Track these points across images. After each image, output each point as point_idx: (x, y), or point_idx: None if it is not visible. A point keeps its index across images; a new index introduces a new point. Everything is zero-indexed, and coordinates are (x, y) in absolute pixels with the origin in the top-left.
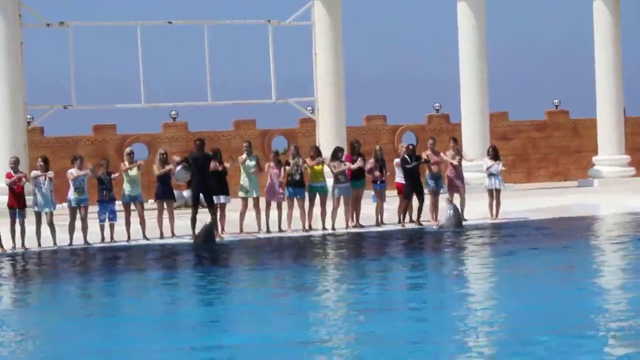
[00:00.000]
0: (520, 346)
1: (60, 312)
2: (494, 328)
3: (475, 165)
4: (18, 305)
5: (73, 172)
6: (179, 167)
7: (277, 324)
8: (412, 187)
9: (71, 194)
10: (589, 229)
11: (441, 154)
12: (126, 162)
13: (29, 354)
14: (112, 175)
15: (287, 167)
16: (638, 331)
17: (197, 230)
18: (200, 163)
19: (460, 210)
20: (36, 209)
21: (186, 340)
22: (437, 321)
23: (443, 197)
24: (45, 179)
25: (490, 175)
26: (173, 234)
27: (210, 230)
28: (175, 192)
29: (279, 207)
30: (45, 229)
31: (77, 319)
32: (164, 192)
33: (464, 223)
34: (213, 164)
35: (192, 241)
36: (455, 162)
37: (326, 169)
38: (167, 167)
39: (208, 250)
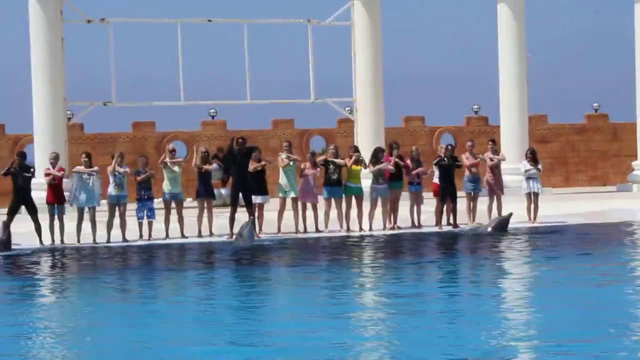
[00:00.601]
0: (554, 353)
1: (93, 309)
2: (528, 334)
3: (514, 168)
4: (54, 301)
5: (115, 166)
6: (214, 166)
7: (313, 324)
8: (445, 189)
9: (111, 191)
10: (627, 234)
11: (480, 156)
12: (168, 160)
13: (67, 349)
14: (141, 178)
15: (323, 156)
16: None
17: (235, 230)
18: (240, 162)
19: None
20: (78, 204)
21: (224, 341)
22: (470, 324)
23: (482, 200)
24: (89, 175)
25: (529, 178)
26: (211, 233)
27: (251, 230)
28: (216, 190)
29: (314, 208)
30: (86, 225)
31: (112, 316)
32: (205, 190)
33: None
34: (252, 165)
35: (229, 240)
36: (490, 162)
37: (364, 171)
38: (210, 166)
39: (247, 250)
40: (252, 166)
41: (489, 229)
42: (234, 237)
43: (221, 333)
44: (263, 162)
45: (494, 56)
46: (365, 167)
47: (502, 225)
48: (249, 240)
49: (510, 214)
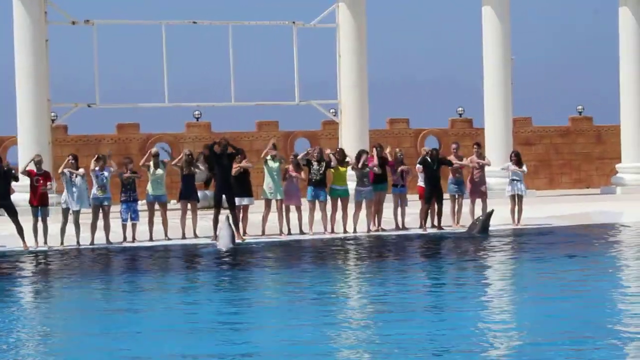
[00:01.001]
0: (538, 354)
1: (75, 312)
2: (511, 335)
3: (498, 170)
4: (36, 303)
5: (95, 166)
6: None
7: (295, 329)
8: (432, 191)
9: (95, 193)
10: (611, 236)
11: (465, 159)
12: (151, 164)
13: (49, 352)
14: (128, 175)
15: (306, 172)
16: None
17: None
18: (224, 164)
19: (488, 217)
20: (64, 206)
21: (204, 344)
22: (454, 327)
23: (466, 202)
24: (76, 176)
25: (513, 180)
26: (195, 235)
27: (230, 232)
28: (200, 192)
29: (298, 210)
30: (70, 227)
31: (93, 319)
32: (188, 192)
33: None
34: (236, 165)
35: (213, 242)
36: (476, 165)
37: (349, 172)
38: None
39: (226, 252)
40: (234, 169)
41: (474, 231)
42: (213, 239)
43: (202, 340)
44: (245, 165)
45: (479, 59)
46: (352, 168)
47: (484, 226)
48: (228, 242)
49: (492, 211)
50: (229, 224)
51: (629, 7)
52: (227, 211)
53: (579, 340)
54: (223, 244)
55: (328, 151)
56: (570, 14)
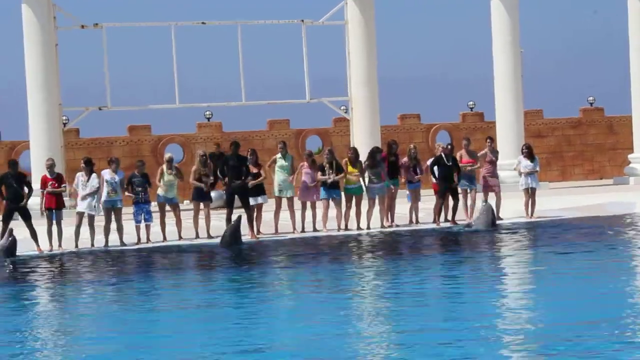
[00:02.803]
0: (552, 346)
1: (92, 313)
2: (526, 328)
3: (510, 164)
4: (53, 306)
5: (105, 175)
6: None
7: (309, 324)
8: (445, 186)
9: (105, 196)
10: (625, 227)
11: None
12: (165, 168)
13: (67, 353)
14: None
15: (320, 177)
16: None
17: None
18: (234, 165)
19: (495, 210)
20: (78, 209)
21: (221, 341)
22: (468, 320)
23: (480, 196)
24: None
25: (526, 174)
26: (209, 235)
27: (235, 231)
28: (214, 192)
29: (313, 207)
30: (84, 230)
31: (110, 320)
32: (200, 193)
33: (499, 222)
34: (248, 181)
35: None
36: (485, 162)
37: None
38: (202, 184)
39: (236, 251)
40: (250, 182)
41: (483, 225)
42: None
43: (222, 337)
44: (258, 181)
45: (489, 52)
46: (363, 171)
47: (491, 220)
48: (232, 241)
49: (488, 204)
50: (235, 225)
51: None
52: (241, 210)
53: (593, 332)
54: (225, 243)
55: (344, 161)
56: (580, 4)
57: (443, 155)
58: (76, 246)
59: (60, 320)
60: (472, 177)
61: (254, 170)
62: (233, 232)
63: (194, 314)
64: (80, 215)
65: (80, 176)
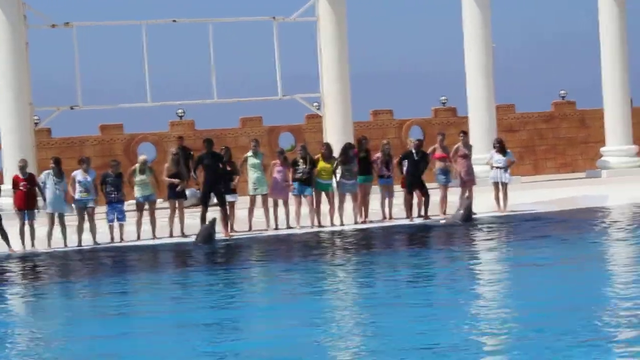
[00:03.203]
0: (527, 340)
1: (66, 314)
2: (501, 322)
3: (483, 158)
4: (25, 307)
5: (78, 177)
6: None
7: (284, 321)
8: (411, 180)
9: (77, 195)
10: (598, 220)
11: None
12: (137, 168)
13: (40, 355)
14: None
15: (292, 174)
16: None
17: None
18: (209, 163)
19: (470, 205)
20: (48, 209)
21: (194, 342)
22: (443, 316)
23: (454, 191)
24: (50, 182)
25: (497, 168)
26: (183, 234)
27: (209, 231)
28: (189, 190)
29: (286, 205)
30: (56, 229)
31: (83, 320)
32: (175, 191)
33: (473, 217)
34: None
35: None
36: (457, 157)
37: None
38: (175, 181)
39: (211, 249)
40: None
41: (458, 220)
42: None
43: (198, 335)
44: (236, 180)
45: (460, 47)
46: (335, 167)
47: (467, 214)
48: (207, 239)
49: (468, 200)
50: (210, 223)
51: None
52: (216, 208)
53: (569, 328)
54: (201, 241)
55: (317, 157)
56: None
57: (413, 151)
58: (49, 245)
59: (29, 320)
60: (447, 171)
61: (228, 168)
62: (208, 231)
63: (165, 314)
64: (51, 215)
65: (50, 175)
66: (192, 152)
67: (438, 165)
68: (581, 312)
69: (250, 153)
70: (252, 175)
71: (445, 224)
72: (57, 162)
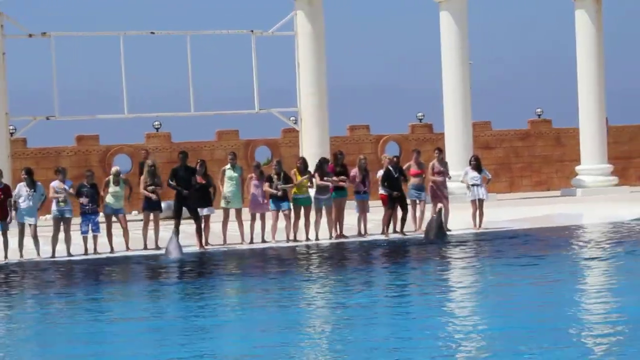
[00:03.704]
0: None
1: (37, 325)
2: (474, 339)
3: (458, 175)
4: None
5: (55, 185)
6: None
7: (256, 336)
8: (394, 198)
9: (54, 206)
10: (572, 238)
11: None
12: (111, 181)
13: None
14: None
15: (267, 188)
16: (618, 341)
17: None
18: (183, 176)
19: (444, 221)
20: (20, 220)
21: (167, 352)
22: (417, 332)
23: (429, 207)
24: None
25: (474, 185)
26: (157, 246)
27: (177, 243)
28: (164, 203)
29: (263, 219)
30: (28, 240)
31: (57, 330)
32: (151, 203)
33: (448, 233)
34: (195, 179)
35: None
36: (437, 179)
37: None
38: (152, 194)
39: (182, 262)
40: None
41: (431, 236)
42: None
43: (165, 348)
44: (214, 188)
45: (438, 64)
46: (311, 183)
47: (441, 230)
48: (175, 252)
49: (440, 214)
50: (175, 235)
51: (585, 10)
52: (189, 220)
53: (542, 342)
54: (170, 254)
55: (293, 171)
56: (528, 18)
57: (390, 168)
58: (21, 256)
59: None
60: (421, 187)
61: (202, 181)
62: (175, 244)
63: (137, 326)
64: (21, 225)
65: (23, 187)
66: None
67: (413, 181)
68: (550, 328)
69: (228, 166)
70: (228, 188)
71: (421, 241)
72: (29, 172)
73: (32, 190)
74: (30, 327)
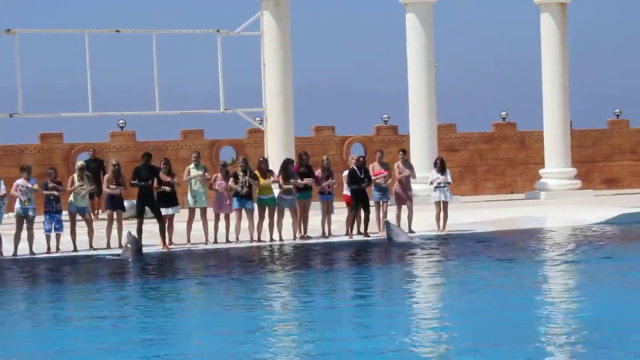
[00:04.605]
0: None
1: None
2: (437, 340)
3: (423, 177)
4: None
5: (20, 183)
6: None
7: (218, 339)
8: (358, 199)
9: (18, 204)
10: (535, 241)
11: (395, 166)
12: (76, 177)
13: None
14: (48, 192)
15: (232, 184)
16: (576, 342)
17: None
18: (144, 176)
19: (408, 222)
20: None
21: (130, 356)
22: (382, 334)
23: (391, 209)
24: None
25: (438, 187)
26: (120, 245)
27: (138, 245)
28: (127, 202)
29: (227, 219)
30: None
31: (18, 330)
32: (114, 202)
33: (412, 235)
34: (162, 176)
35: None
36: (399, 176)
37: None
38: (115, 191)
39: (144, 262)
40: (166, 187)
41: (397, 239)
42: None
43: (127, 352)
44: (169, 181)
45: (403, 66)
46: (277, 183)
47: (389, 233)
48: (131, 252)
49: (387, 221)
50: (132, 235)
51: (550, 14)
52: (152, 220)
53: (504, 347)
54: (127, 253)
55: (249, 180)
56: (493, 20)
57: (355, 168)
58: None
59: None
60: (384, 189)
61: (167, 179)
62: (137, 245)
63: (99, 327)
64: None
65: None
66: (104, 163)
67: (376, 182)
68: (511, 332)
69: (192, 165)
70: (192, 187)
71: (387, 242)
72: None
73: None
74: None
